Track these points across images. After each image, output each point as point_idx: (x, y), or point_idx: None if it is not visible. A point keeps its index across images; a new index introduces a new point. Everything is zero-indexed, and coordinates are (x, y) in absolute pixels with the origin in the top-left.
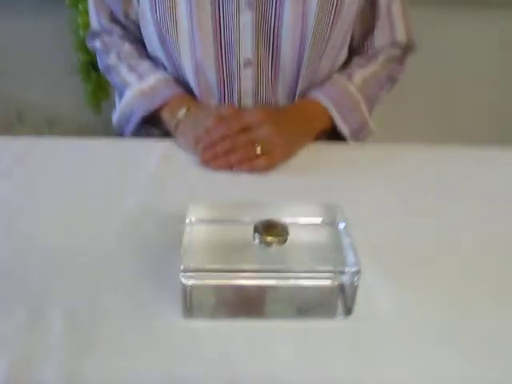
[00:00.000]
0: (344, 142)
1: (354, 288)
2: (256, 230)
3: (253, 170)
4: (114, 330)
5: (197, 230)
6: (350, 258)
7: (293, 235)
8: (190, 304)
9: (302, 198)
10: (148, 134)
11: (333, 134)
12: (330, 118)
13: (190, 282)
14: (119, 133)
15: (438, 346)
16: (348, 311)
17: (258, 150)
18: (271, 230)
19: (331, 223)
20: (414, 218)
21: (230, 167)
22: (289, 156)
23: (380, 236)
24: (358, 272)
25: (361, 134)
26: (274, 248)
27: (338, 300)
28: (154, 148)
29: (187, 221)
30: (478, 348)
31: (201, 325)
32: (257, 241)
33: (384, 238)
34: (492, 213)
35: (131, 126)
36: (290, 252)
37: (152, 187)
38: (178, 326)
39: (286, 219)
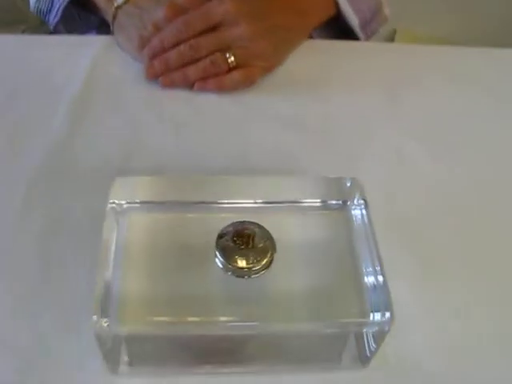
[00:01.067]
0: (350, 38)
1: (382, 337)
2: (220, 249)
3: (222, 89)
4: None
5: (125, 227)
6: (377, 293)
7: (282, 243)
8: (116, 356)
9: (296, 142)
10: (82, 28)
11: (331, 27)
12: (334, 5)
13: (116, 331)
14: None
15: None
16: (365, 360)
17: (231, 59)
18: (244, 251)
19: (340, 208)
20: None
21: (190, 85)
22: (274, 65)
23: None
24: (388, 321)
25: (371, 24)
26: (250, 280)
27: (351, 346)
28: (82, 50)
29: (109, 207)
30: None
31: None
32: (220, 265)
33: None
34: None
35: (55, 13)
36: (275, 285)
37: (67, 122)
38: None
39: (270, 214)
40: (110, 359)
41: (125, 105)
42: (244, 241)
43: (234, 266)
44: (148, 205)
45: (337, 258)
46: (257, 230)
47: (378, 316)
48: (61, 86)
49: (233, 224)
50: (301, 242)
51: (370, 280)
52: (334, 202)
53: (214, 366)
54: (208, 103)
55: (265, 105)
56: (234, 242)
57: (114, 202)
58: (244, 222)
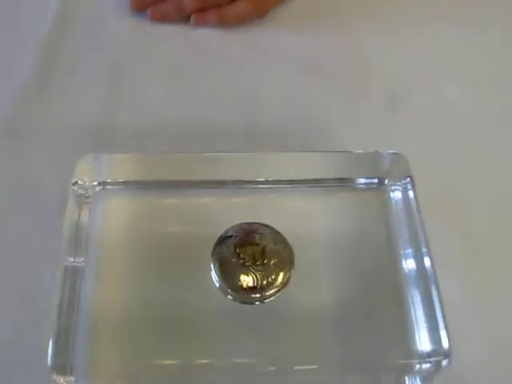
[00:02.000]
0: None
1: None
2: (218, 262)
3: (226, 22)
4: None
5: (97, 218)
6: (429, 321)
7: (300, 242)
8: None
9: (316, 93)
10: None
11: None
12: None
13: None
14: None
15: None
16: None
17: None
18: (251, 269)
19: (375, 189)
20: None
21: (185, 18)
22: None
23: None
24: (443, 364)
25: None
26: (259, 307)
27: None
28: None
29: (72, 189)
30: None
31: None
32: (216, 284)
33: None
34: None
35: None
36: (292, 310)
37: (36, 69)
38: None
39: (285, 199)
40: None
41: (105, 45)
42: (250, 254)
43: (235, 288)
44: (128, 187)
45: (372, 261)
46: (268, 236)
47: (429, 355)
48: (27, 23)
49: (236, 228)
50: (324, 238)
51: (416, 299)
52: (365, 180)
53: None
54: (208, 42)
55: (278, 44)
56: (237, 255)
57: (77, 183)
58: (252, 224)
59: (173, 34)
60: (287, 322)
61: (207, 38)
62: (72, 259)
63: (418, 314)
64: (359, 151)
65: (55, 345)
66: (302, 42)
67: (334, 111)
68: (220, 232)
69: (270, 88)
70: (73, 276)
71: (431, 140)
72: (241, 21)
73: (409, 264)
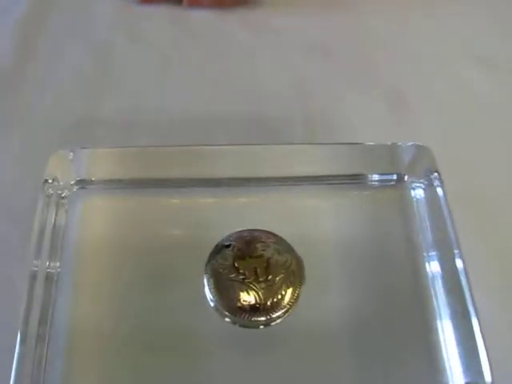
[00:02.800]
0: None
1: None
2: (212, 278)
3: (222, 4)
4: None
5: (74, 222)
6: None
7: (309, 250)
8: None
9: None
10: None
11: None
12: None
13: None
14: None
15: None
16: None
17: None
18: (252, 286)
19: (393, 186)
20: None
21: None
22: None
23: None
24: None
25: None
26: (263, 331)
27: None
28: None
29: (44, 188)
30: None
31: None
32: (211, 304)
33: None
34: None
35: None
36: (300, 334)
37: (14, 51)
38: None
39: (290, 198)
40: None
41: (89, 26)
42: (252, 269)
43: (233, 310)
44: (110, 186)
45: (392, 271)
46: (273, 245)
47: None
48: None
49: (235, 236)
50: (337, 244)
51: (445, 316)
52: (382, 176)
53: None
54: (203, 23)
55: (281, 25)
56: (236, 269)
57: (48, 181)
58: (253, 231)
59: (163, 15)
60: (296, 348)
61: (201, 18)
62: (45, 263)
63: (448, 335)
64: (373, 143)
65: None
66: (307, 22)
67: (341, 97)
68: (216, 238)
69: (272, 73)
70: (45, 284)
71: (452, 130)
72: (237, 1)
73: (435, 275)
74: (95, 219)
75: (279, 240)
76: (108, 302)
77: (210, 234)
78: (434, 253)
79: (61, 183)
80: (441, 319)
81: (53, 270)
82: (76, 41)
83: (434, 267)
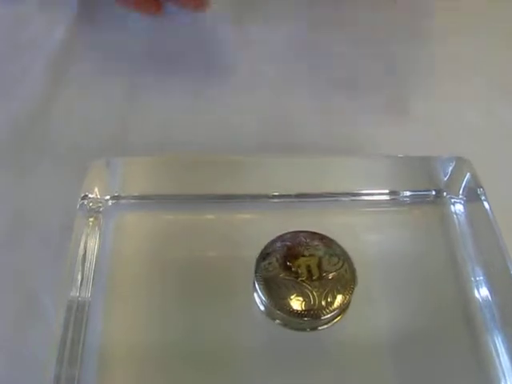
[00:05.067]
0: None
1: None
2: (262, 281)
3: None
4: None
5: (109, 238)
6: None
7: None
8: None
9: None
10: None
11: None
12: None
13: None
14: None
15: None
16: None
17: None
18: (305, 286)
19: (432, 202)
20: None
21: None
22: None
23: None
24: None
25: None
26: (314, 333)
27: None
28: None
29: (80, 204)
30: None
31: None
32: (261, 308)
33: None
34: None
35: None
36: (354, 339)
37: (44, 84)
38: None
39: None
40: None
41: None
42: (304, 267)
43: (285, 311)
44: (146, 201)
45: (436, 288)
46: (322, 246)
47: None
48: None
49: (281, 237)
50: (378, 258)
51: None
52: (418, 192)
53: None
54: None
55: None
56: (288, 268)
57: (87, 197)
58: (299, 232)
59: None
60: (339, 356)
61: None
62: (77, 293)
63: (497, 353)
64: (409, 156)
65: None
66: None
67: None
68: (257, 249)
69: None
70: (77, 313)
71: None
72: None
73: (483, 294)
74: (130, 235)
75: (330, 241)
76: (144, 325)
77: (252, 247)
78: (481, 271)
79: (99, 197)
80: (492, 339)
81: (84, 298)
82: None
83: (480, 286)
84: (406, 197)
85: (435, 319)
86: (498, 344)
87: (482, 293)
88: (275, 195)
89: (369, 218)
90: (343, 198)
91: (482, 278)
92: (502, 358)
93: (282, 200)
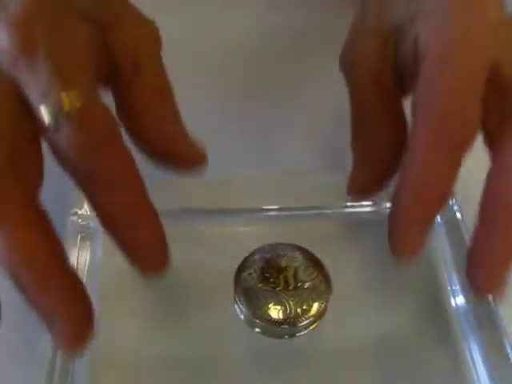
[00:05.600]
0: None
1: None
2: (242, 291)
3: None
4: None
5: (99, 253)
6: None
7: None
8: None
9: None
10: None
11: None
12: None
13: None
14: None
15: None
16: None
17: None
18: (282, 295)
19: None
20: None
21: None
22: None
23: None
24: None
25: None
26: (291, 340)
27: None
28: None
29: (70, 220)
30: None
31: None
32: (241, 317)
33: None
34: None
35: None
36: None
37: None
38: None
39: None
40: None
41: None
42: (281, 277)
43: (264, 320)
44: None
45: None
46: (300, 257)
47: None
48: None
49: (260, 250)
50: (355, 263)
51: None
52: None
53: None
54: None
55: None
56: (266, 279)
57: (77, 213)
58: (277, 245)
59: None
60: (317, 362)
61: None
62: None
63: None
64: None
65: None
66: None
67: None
68: (238, 263)
69: None
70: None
71: None
72: None
73: (459, 302)
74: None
75: (306, 252)
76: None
77: (232, 258)
78: (457, 279)
79: (88, 213)
80: (469, 347)
81: None
82: None
83: (457, 292)
84: (386, 208)
85: (411, 326)
86: (474, 352)
87: (458, 301)
88: (256, 209)
89: (346, 229)
90: (323, 211)
91: (457, 286)
92: (477, 366)
93: (262, 214)
